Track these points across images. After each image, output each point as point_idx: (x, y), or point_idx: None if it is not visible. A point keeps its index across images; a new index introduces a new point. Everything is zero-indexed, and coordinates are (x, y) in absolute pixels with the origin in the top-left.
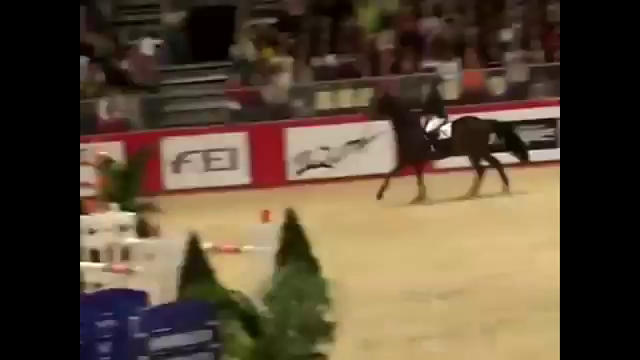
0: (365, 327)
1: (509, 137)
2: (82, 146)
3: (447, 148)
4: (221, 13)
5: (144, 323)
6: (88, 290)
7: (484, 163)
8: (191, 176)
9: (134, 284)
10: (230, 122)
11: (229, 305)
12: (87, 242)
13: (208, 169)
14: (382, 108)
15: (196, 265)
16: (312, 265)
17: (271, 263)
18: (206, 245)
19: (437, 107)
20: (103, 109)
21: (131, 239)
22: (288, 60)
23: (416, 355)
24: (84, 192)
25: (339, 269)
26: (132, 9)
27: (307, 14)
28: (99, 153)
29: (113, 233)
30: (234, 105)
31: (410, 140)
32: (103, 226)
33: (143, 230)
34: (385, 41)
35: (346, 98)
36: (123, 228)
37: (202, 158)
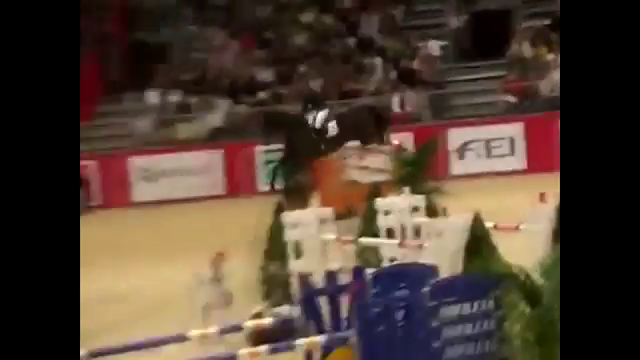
0: None
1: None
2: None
3: (336, 142)
4: (499, 16)
5: (434, 293)
6: (385, 264)
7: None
8: (474, 162)
9: (425, 259)
10: (507, 114)
11: (510, 277)
12: (383, 221)
13: (489, 156)
14: (267, 124)
15: (479, 242)
16: None
17: (547, 241)
18: (488, 224)
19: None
20: (395, 104)
21: (421, 219)
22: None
23: None
24: (380, 177)
25: None
26: (420, 14)
27: None
28: (393, 142)
29: (406, 214)
30: (511, 98)
31: (299, 141)
32: (397, 207)
33: (432, 211)
34: None
35: None
36: (414, 209)
37: (483, 146)
